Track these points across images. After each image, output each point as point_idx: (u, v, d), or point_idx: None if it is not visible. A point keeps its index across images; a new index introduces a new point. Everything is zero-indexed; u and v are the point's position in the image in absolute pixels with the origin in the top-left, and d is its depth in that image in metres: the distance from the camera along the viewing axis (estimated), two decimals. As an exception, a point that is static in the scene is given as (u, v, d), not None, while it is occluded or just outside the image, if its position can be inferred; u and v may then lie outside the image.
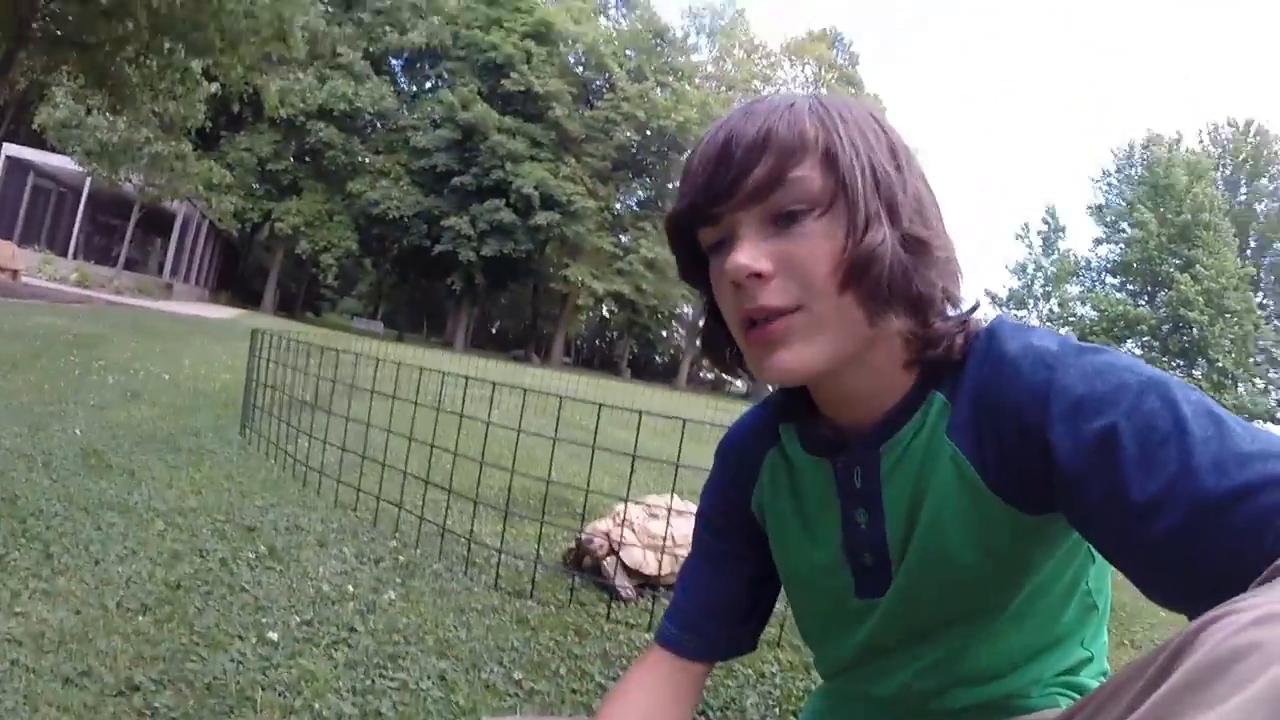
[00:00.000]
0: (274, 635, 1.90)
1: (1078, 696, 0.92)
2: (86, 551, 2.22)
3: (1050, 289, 46.91)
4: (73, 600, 1.89)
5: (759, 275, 0.74)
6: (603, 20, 52.14)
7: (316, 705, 1.60)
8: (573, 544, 2.86)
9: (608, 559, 2.72)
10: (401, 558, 2.75)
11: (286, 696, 1.62)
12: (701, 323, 0.95)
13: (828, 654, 1.05)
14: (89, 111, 18.35)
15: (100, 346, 7.40)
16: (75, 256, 26.28)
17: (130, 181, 22.71)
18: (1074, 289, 46.65)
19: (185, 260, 32.12)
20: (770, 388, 0.94)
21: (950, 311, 0.79)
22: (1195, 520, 0.59)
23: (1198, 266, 39.37)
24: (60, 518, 2.45)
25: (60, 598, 1.89)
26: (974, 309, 0.82)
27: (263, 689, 1.62)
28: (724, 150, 0.76)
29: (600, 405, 2.87)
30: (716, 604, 1.03)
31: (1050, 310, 46.44)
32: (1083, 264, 47.00)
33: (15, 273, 15.29)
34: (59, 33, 13.96)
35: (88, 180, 23.91)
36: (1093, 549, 0.87)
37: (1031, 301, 47.15)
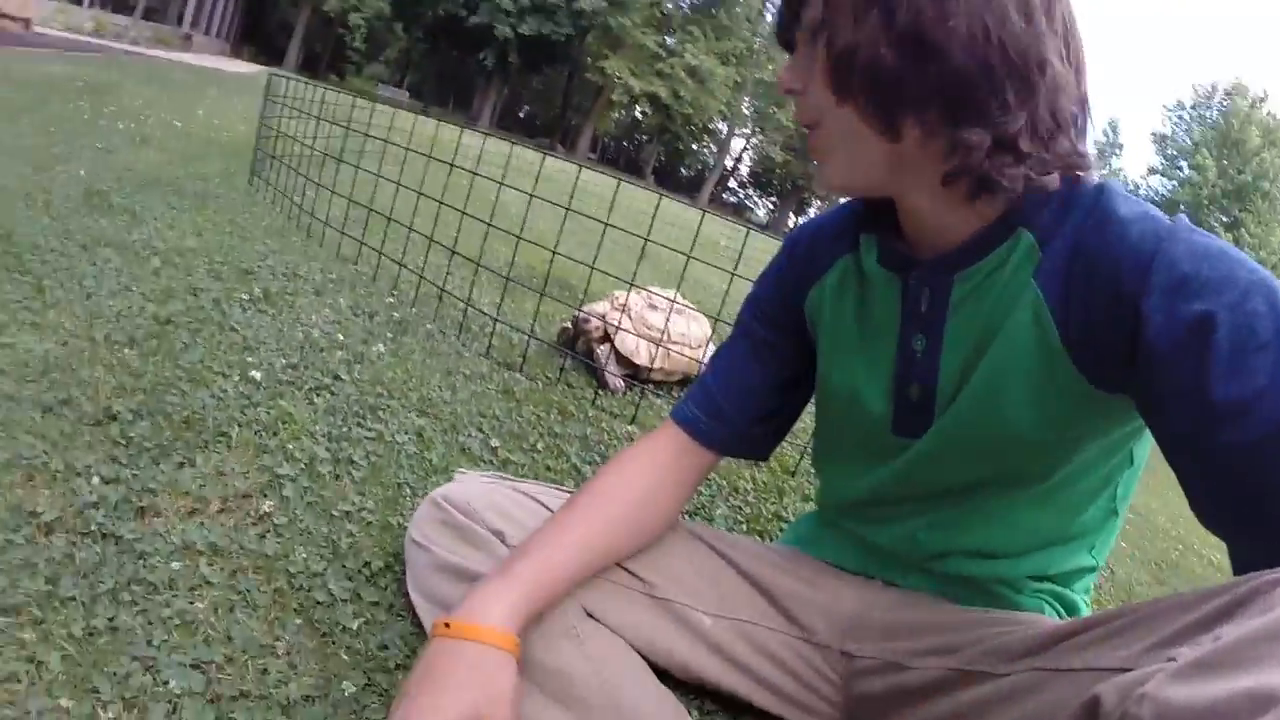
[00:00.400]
0: (257, 375, 1.88)
1: (1062, 609, 0.91)
2: (80, 286, 2.18)
3: None
4: (61, 332, 1.86)
5: (790, 90, 0.78)
6: None
7: (290, 446, 1.59)
8: (568, 323, 2.81)
9: (601, 345, 2.69)
10: (396, 314, 2.72)
11: (262, 436, 1.61)
12: None
13: (837, 485, 1.03)
14: None
15: (112, 94, 7.18)
16: (91, 5, 25.22)
17: (153, -80, 21.50)
18: None
19: (206, 11, 30.91)
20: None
21: (1027, 144, 0.71)
22: (1270, 441, 0.56)
23: (1243, 230, 38.20)
24: (56, 253, 2.40)
25: (48, 329, 1.86)
26: (1078, 157, 0.74)
27: (240, 426, 1.61)
28: None
29: (619, 180, 2.77)
30: (743, 392, 0.99)
31: None
32: (1131, 188, 45.49)
33: (27, 22, 14.64)
34: None
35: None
36: (1133, 453, 0.84)
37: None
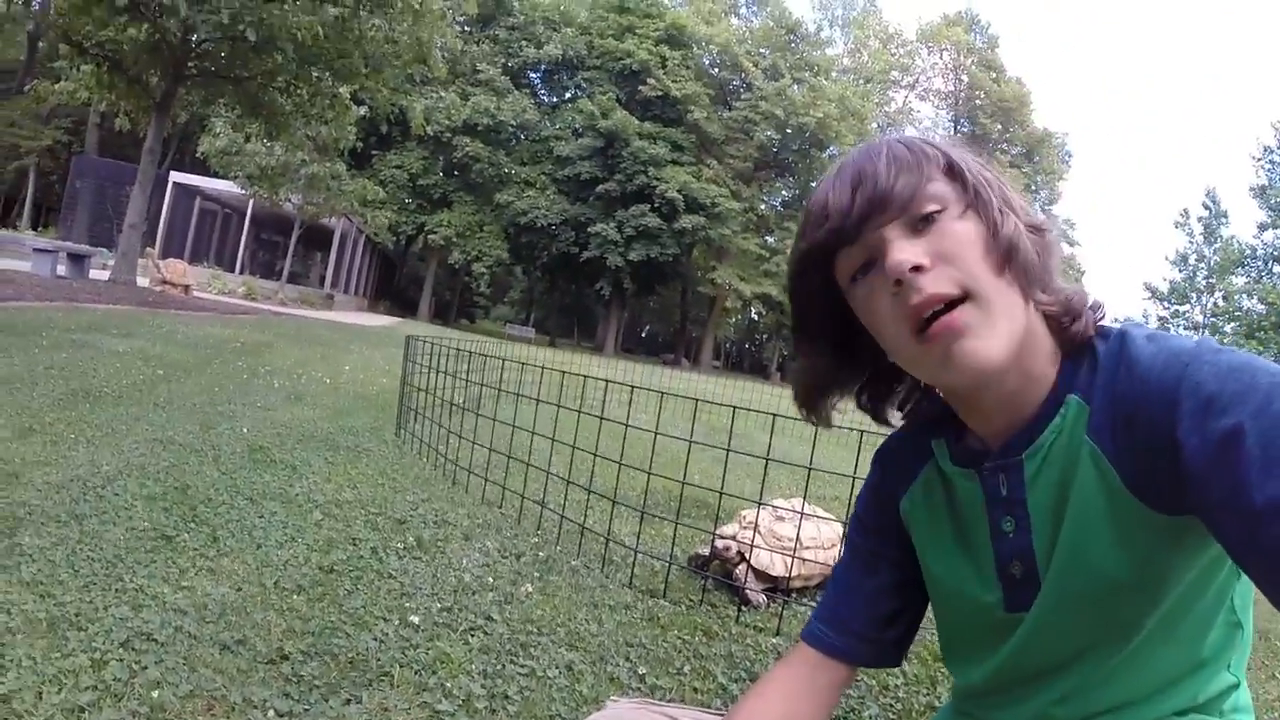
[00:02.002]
0: (415, 619, 2.01)
1: None
2: (249, 536, 2.42)
3: (1214, 280, 43.25)
4: (234, 578, 2.07)
5: (919, 268, 0.78)
6: (734, 20, 52.02)
7: (449, 684, 1.70)
8: (704, 550, 2.89)
9: (738, 566, 2.74)
10: (541, 553, 2.85)
11: (422, 675, 1.72)
12: (804, 375, 1.00)
13: (965, 674, 1.04)
14: (247, 139, 19.65)
15: (266, 353, 7.93)
16: (242, 272, 28.19)
17: (290, 201, 24.13)
18: (1239, 280, 42.50)
19: (344, 272, 33.94)
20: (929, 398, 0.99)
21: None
22: None
23: None
24: (226, 505, 2.68)
25: (223, 575, 2.08)
26: (1098, 305, 0.85)
27: (401, 666, 1.74)
28: (857, 177, 0.82)
29: (735, 408, 2.90)
30: (861, 601, 1.04)
31: (1214, 304, 42.77)
32: (1248, 252, 42.85)
33: (187, 288, 16.54)
34: (213, 69, 15.11)
35: (250, 201, 25.62)
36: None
37: (1194, 295, 43.61)
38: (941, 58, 54.55)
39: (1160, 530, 0.77)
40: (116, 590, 1.90)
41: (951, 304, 0.78)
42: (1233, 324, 40.72)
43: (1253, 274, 42.72)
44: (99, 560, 2.07)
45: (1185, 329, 42.66)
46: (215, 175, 24.68)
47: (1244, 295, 41.88)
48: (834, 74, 51.42)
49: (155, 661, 1.58)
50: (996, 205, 0.80)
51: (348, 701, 1.55)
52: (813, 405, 1.00)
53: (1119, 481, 0.77)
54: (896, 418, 1.02)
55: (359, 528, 2.73)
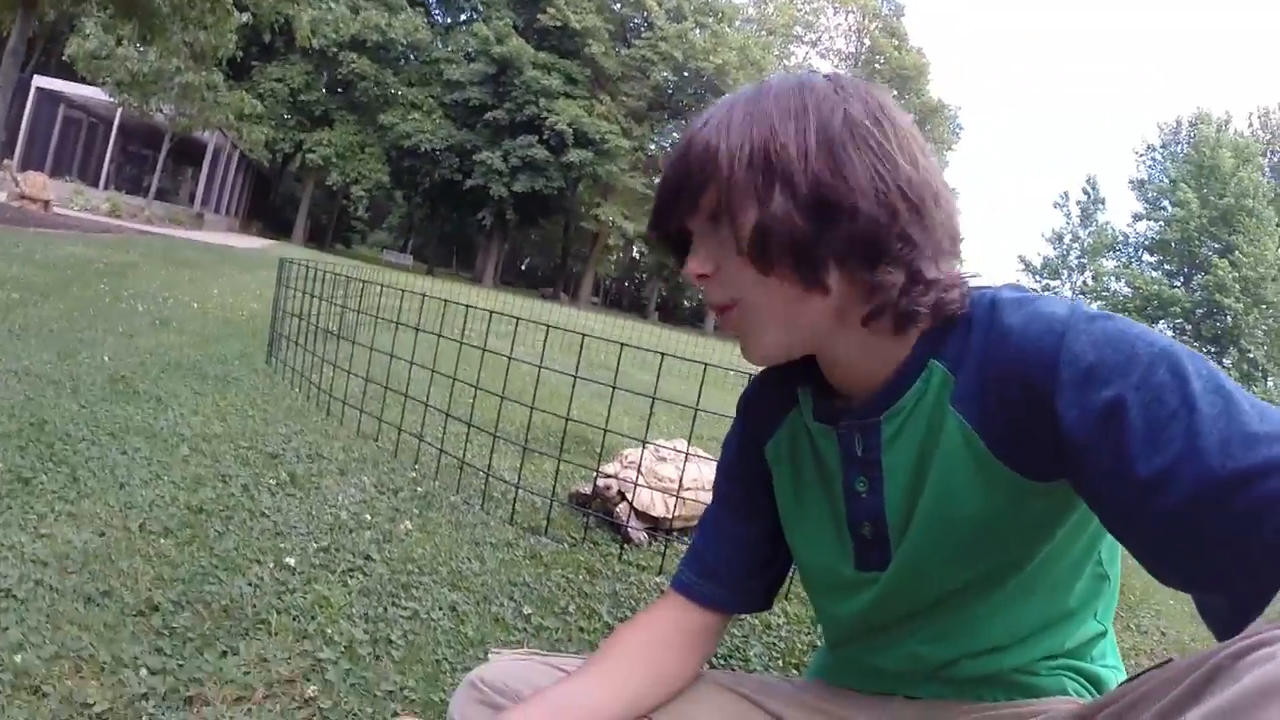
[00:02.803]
0: (291, 561, 1.94)
1: (1083, 681, 0.92)
2: (112, 475, 2.27)
3: (1086, 261, 46.08)
4: (97, 522, 1.94)
5: (703, 276, 0.83)
6: (642, -45, 50.90)
7: (329, 630, 1.64)
8: (585, 489, 2.88)
9: (619, 505, 2.75)
10: (420, 489, 2.79)
11: (301, 621, 1.66)
12: None
13: (829, 623, 1.06)
14: (119, 42, 18.20)
15: (130, 275, 7.48)
16: (106, 187, 26.42)
17: (161, 112, 22.62)
18: (1109, 263, 45.83)
19: (216, 190, 32.25)
20: None
21: (933, 271, 0.78)
22: (1197, 501, 0.59)
23: (1237, 253, 38.43)
24: (87, 442, 2.50)
25: (85, 520, 1.94)
26: (969, 276, 0.82)
27: (278, 612, 1.67)
28: (666, 173, 0.85)
29: (622, 345, 2.88)
30: (732, 551, 1.04)
31: (1084, 283, 45.72)
32: (1120, 239, 46.14)
33: (47, 203, 15.40)
34: None
35: (119, 111, 23.89)
36: None
37: (1065, 272, 46.44)
38: (846, 19, 55.08)
39: (1029, 493, 0.77)
40: (-34, 537, 1.75)
41: (726, 308, 0.83)
42: (1099, 303, 43.30)
43: (1123, 259, 45.77)
44: (-55, 503, 1.90)
45: None
46: (82, 81, 22.79)
47: (1112, 278, 44.77)
48: (737, 22, 51.19)
49: (16, 621, 1.45)
50: (752, 192, 0.77)
51: (224, 654, 1.47)
52: None
53: (985, 449, 0.77)
54: None
55: (229, 463, 2.61)
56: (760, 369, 1.03)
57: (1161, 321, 41.33)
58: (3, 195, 15.09)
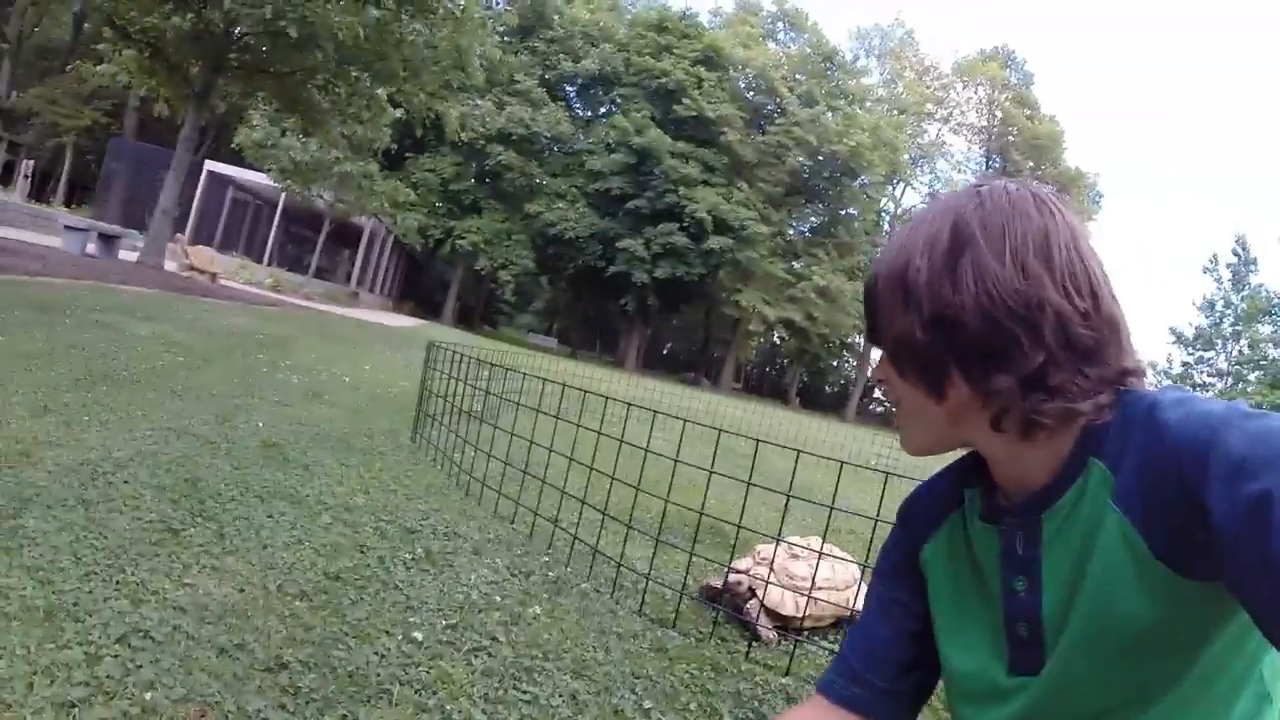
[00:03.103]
0: (419, 635, 1.96)
1: None
2: (256, 535, 2.38)
3: (1240, 328, 42.70)
4: (238, 579, 2.03)
5: (881, 381, 0.95)
6: (771, 44, 52.01)
7: (449, 708, 1.64)
8: (716, 582, 2.83)
9: (749, 602, 2.68)
10: (551, 574, 2.79)
11: (422, 695, 1.67)
12: None
13: None
14: (283, 133, 19.90)
15: (288, 347, 7.93)
16: (270, 264, 28.36)
17: (322, 197, 24.28)
18: (1266, 328, 41.98)
19: (371, 271, 34.19)
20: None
21: (1057, 377, 0.81)
22: None
23: None
24: (236, 502, 2.64)
25: (227, 575, 2.03)
26: (1121, 375, 0.83)
27: (401, 684, 1.68)
28: (865, 295, 0.95)
29: (758, 441, 2.84)
30: (876, 650, 1.04)
31: (1240, 351, 42.25)
32: (1276, 301, 42.23)
33: (214, 275, 16.65)
34: (254, 63, 15.27)
35: (282, 195, 25.77)
36: None
37: (1220, 342, 43.07)
38: (976, 92, 54.40)
39: (1188, 596, 0.76)
40: (118, 583, 1.86)
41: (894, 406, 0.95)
42: (1257, 372, 40.26)
43: None
44: (102, 549, 2.03)
45: (1209, 376, 42.41)
46: (249, 167, 24.90)
47: (1270, 344, 41.34)
48: (868, 103, 51.41)
49: (151, 661, 1.53)
50: (896, 309, 0.87)
51: (344, 718, 1.50)
52: None
53: (1145, 548, 0.76)
54: None
55: (368, 534, 2.69)
56: (927, 478, 1.09)
57: None
58: (174, 266, 16.37)
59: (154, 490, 2.59)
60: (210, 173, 28.13)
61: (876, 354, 0.99)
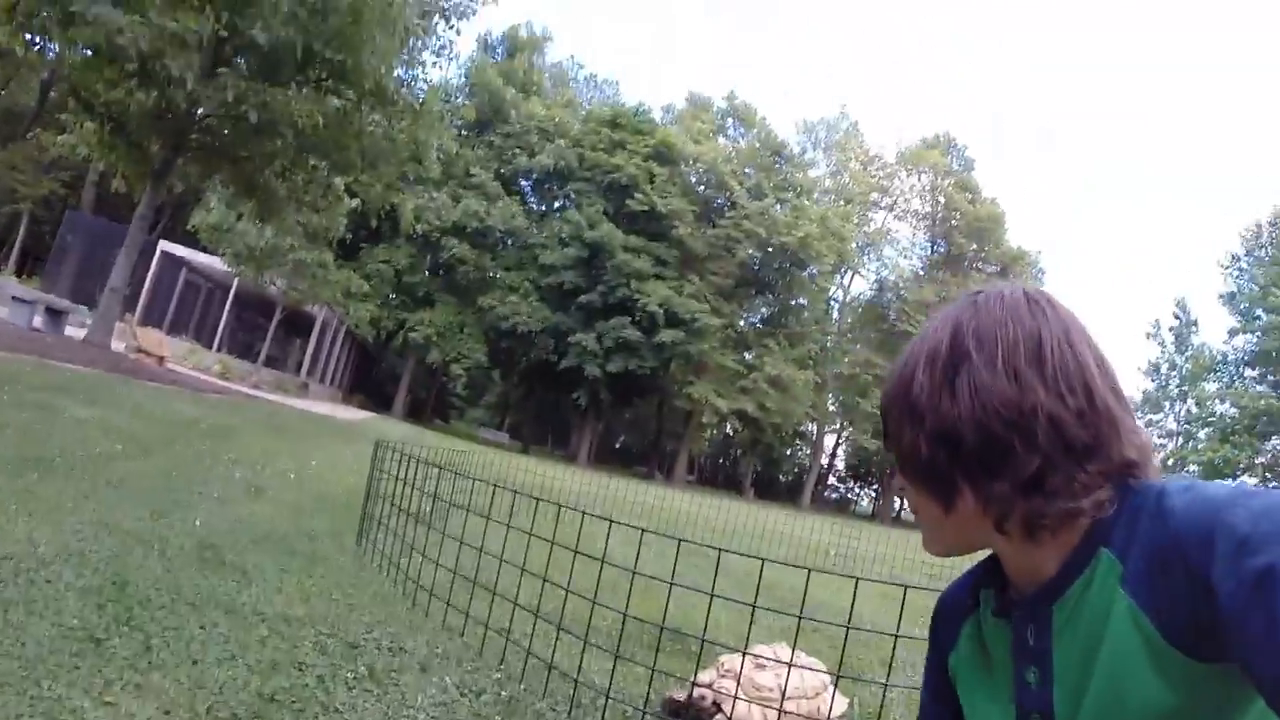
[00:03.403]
0: (360, 774, 1.79)
1: None
2: (186, 649, 2.20)
3: (1186, 388, 43.93)
4: (163, 698, 1.86)
5: (904, 487, 0.98)
6: (721, 139, 53.19)
7: None
8: (679, 695, 2.68)
9: (715, 717, 2.54)
10: (504, 692, 2.62)
11: None
12: None
13: None
14: (239, 218, 20.00)
15: (232, 438, 7.72)
16: (219, 349, 28.14)
17: (275, 284, 24.31)
18: (1211, 386, 43.37)
19: (322, 361, 33.91)
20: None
21: (1055, 480, 0.83)
22: None
23: None
24: (166, 610, 2.46)
25: (151, 694, 1.86)
26: (1123, 467, 0.84)
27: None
28: (883, 407, 0.98)
29: (720, 550, 2.74)
30: None
31: (1188, 410, 43.56)
32: (1219, 358, 43.81)
33: (162, 359, 16.37)
34: (214, 145, 15.41)
35: (235, 280, 25.71)
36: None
37: (1167, 404, 44.40)
38: (919, 180, 56.10)
39: (1200, 680, 0.76)
40: (32, 698, 1.70)
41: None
42: (1206, 429, 41.22)
43: (1224, 379, 43.55)
44: (18, 659, 1.87)
45: (1160, 437, 43.68)
46: (204, 250, 24.76)
47: (1216, 400, 42.56)
48: (816, 194, 52.78)
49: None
50: (904, 424, 0.91)
51: None
52: None
53: (1156, 633, 0.77)
54: None
55: (307, 650, 2.51)
56: (948, 586, 1.12)
57: (1275, 437, 38.61)
58: (122, 346, 16.07)
59: (78, 593, 2.41)
60: (164, 253, 27.96)
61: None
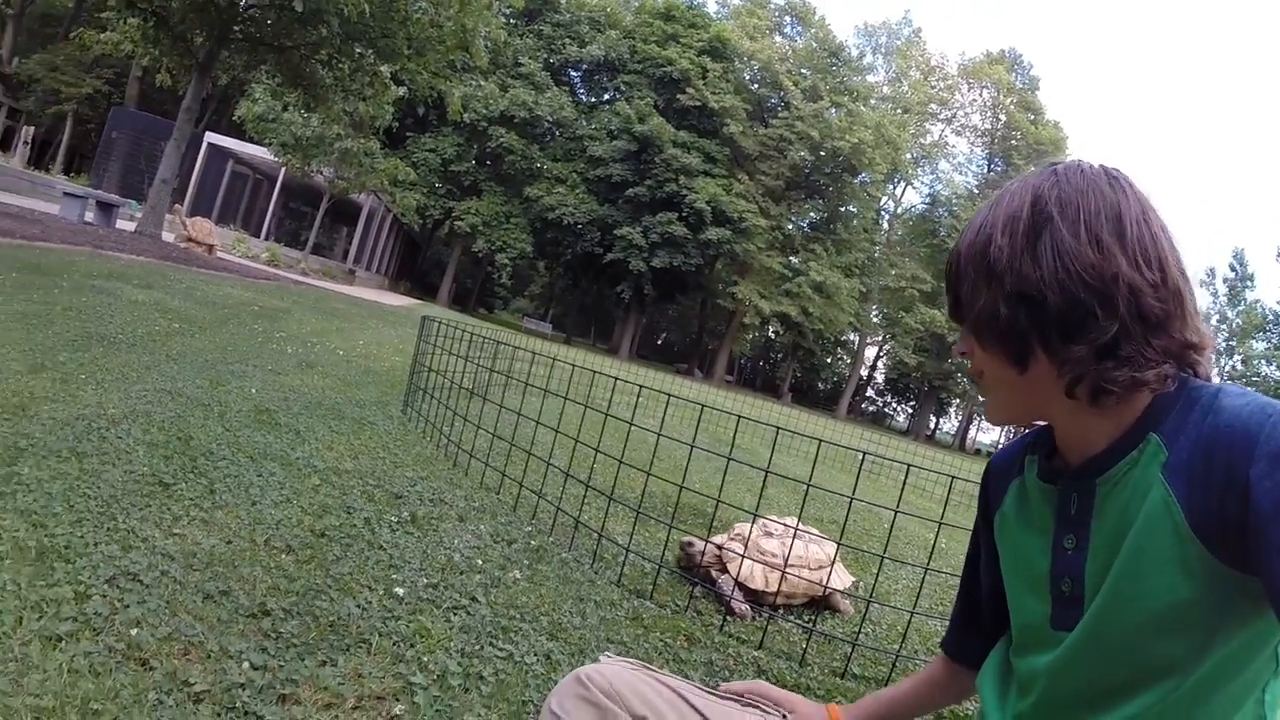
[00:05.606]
0: (400, 591, 2.02)
1: None
2: (246, 493, 2.43)
3: (1234, 344, 42.88)
4: (226, 531, 2.08)
5: (964, 353, 1.00)
6: (777, 38, 51.49)
7: (425, 659, 1.69)
8: (692, 546, 2.88)
9: (722, 575, 2.74)
10: (534, 542, 2.84)
11: (400, 646, 1.72)
12: None
13: (1024, 692, 1.06)
14: (285, 108, 19.92)
15: (282, 320, 7.96)
16: (267, 238, 28.42)
17: (321, 174, 24.35)
18: (1260, 345, 42.34)
19: (368, 249, 34.11)
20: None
21: (1128, 348, 0.86)
22: None
23: None
24: (227, 461, 2.69)
25: (216, 527, 2.08)
26: (1184, 348, 0.88)
27: (380, 635, 1.74)
28: (948, 272, 1.00)
29: (739, 418, 2.89)
30: (969, 606, 1.18)
31: (1233, 367, 42.52)
32: (1272, 317, 42.61)
33: (211, 247, 16.59)
34: (258, 35, 15.26)
35: (282, 170, 25.80)
36: (1277, 658, 0.89)
37: (1213, 356, 43.21)
38: (981, 95, 54.16)
39: (1215, 579, 0.80)
40: (108, 529, 1.91)
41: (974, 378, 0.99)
42: (1250, 389, 40.07)
43: (1274, 340, 42.29)
44: (95, 498, 2.08)
45: None
46: (250, 140, 24.83)
47: (1263, 361, 41.38)
48: (872, 101, 51.20)
49: (138, 601, 1.58)
50: (980, 286, 0.92)
51: (324, 663, 1.55)
52: None
53: (1185, 522, 0.80)
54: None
55: (355, 497, 2.74)
56: (993, 454, 1.18)
57: None
58: (172, 237, 16.30)
59: (146, 446, 2.64)
60: (210, 145, 28.05)
61: (952, 332, 1.04)
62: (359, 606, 1.85)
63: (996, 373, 0.94)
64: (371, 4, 13.10)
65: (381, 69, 15.93)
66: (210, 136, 28.34)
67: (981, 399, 1.02)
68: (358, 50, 15.19)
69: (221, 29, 14.50)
